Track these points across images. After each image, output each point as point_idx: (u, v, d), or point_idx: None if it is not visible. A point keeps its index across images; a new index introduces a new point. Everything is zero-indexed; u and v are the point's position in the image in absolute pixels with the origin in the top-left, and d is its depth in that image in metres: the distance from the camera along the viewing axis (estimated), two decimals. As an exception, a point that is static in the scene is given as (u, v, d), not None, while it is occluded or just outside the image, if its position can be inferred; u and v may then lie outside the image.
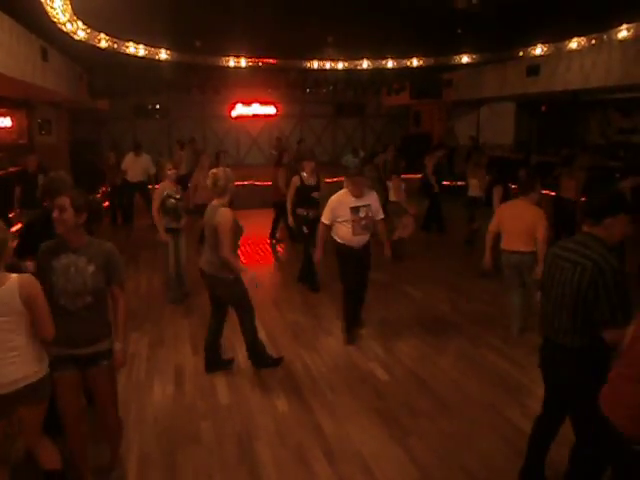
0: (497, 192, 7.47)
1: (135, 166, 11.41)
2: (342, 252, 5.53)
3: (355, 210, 5.32)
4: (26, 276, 2.80)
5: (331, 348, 5.48)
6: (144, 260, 8.79)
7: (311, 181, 7.22)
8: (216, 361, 4.97)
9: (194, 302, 6.75)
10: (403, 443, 3.84)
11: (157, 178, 11.00)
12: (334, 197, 5.48)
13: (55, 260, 3.03)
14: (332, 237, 5.58)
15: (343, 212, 5.34)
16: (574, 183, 8.18)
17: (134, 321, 6.21)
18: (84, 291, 3.05)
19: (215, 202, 4.57)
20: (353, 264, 5.54)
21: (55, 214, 3.01)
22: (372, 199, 5.48)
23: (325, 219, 5.50)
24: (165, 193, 6.48)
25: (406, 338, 5.72)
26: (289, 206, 7.38)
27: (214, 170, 4.64)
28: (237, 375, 4.91)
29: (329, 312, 6.40)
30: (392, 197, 8.62)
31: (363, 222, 5.37)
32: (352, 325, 5.69)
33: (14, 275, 2.74)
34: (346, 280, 5.64)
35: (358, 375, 4.90)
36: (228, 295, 4.73)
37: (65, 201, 3.00)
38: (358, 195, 5.34)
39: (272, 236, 9.97)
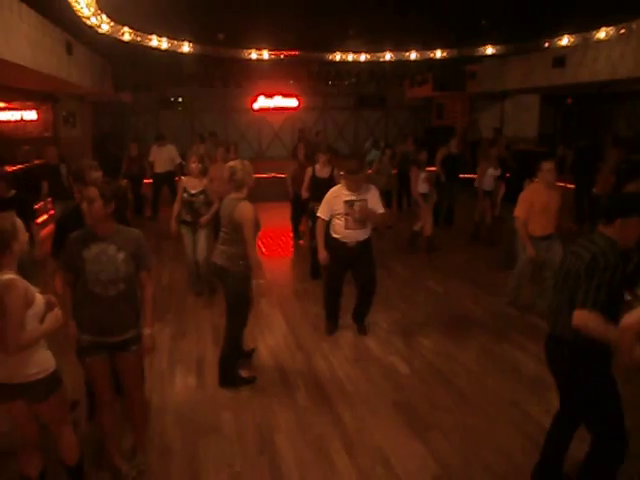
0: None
1: (160, 157, 11.36)
2: (333, 247, 5.33)
3: (349, 203, 5.15)
4: (3, 279, 2.67)
5: (352, 341, 5.48)
6: (166, 252, 8.88)
7: (323, 173, 7.16)
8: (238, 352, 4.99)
9: (215, 294, 6.79)
10: (423, 437, 3.82)
11: (183, 170, 11.12)
12: (330, 191, 5.33)
13: (85, 250, 3.08)
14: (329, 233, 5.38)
15: (338, 206, 5.19)
16: (601, 177, 8.09)
17: (156, 312, 6.28)
18: (117, 279, 3.11)
19: (233, 195, 4.38)
20: (340, 261, 5.36)
21: (84, 206, 3.05)
22: (370, 194, 5.25)
23: (322, 214, 5.31)
24: (183, 186, 6.53)
25: (427, 332, 5.68)
26: (304, 197, 7.38)
27: (232, 163, 4.49)
28: (258, 366, 4.93)
29: (350, 306, 6.38)
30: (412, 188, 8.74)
31: (357, 216, 5.16)
32: (334, 317, 5.68)
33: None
34: (328, 275, 5.59)
35: (378, 368, 4.89)
36: (231, 289, 4.43)
37: (93, 192, 3.04)
38: (354, 190, 5.16)
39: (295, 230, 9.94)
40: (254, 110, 18.98)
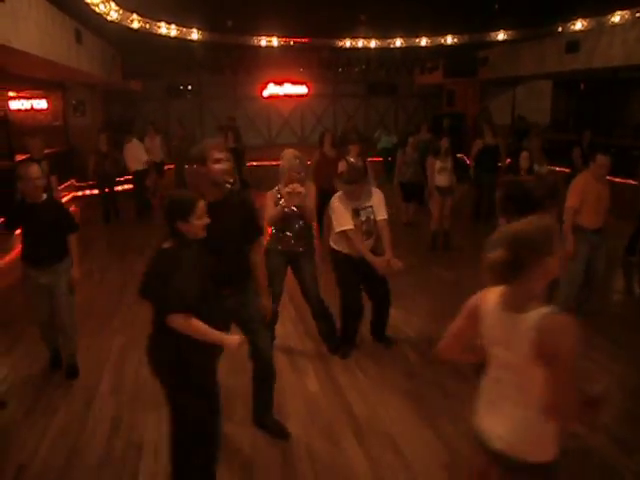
0: None
1: (125, 154, 10.31)
2: (338, 260, 4.77)
3: (355, 213, 4.58)
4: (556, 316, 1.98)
5: (362, 329, 5.46)
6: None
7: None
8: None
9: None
10: (433, 424, 3.82)
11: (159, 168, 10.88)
12: (336, 200, 4.67)
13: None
14: (330, 244, 4.88)
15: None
16: None
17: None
18: None
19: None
20: (353, 274, 4.74)
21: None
22: (375, 199, 4.66)
23: (350, 224, 4.55)
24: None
25: (437, 320, 5.65)
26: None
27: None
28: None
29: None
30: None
31: (364, 227, 4.60)
32: (351, 343, 5.00)
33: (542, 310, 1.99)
34: (341, 293, 4.86)
35: (388, 356, 4.88)
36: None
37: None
38: (355, 199, 4.58)
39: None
40: (263, 97, 18.94)
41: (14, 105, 13.09)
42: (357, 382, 4.43)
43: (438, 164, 7.95)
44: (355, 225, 4.57)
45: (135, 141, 10.45)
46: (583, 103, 16.07)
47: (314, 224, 4.83)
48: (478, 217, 9.86)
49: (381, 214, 4.65)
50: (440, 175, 7.97)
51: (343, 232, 4.57)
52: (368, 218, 4.63)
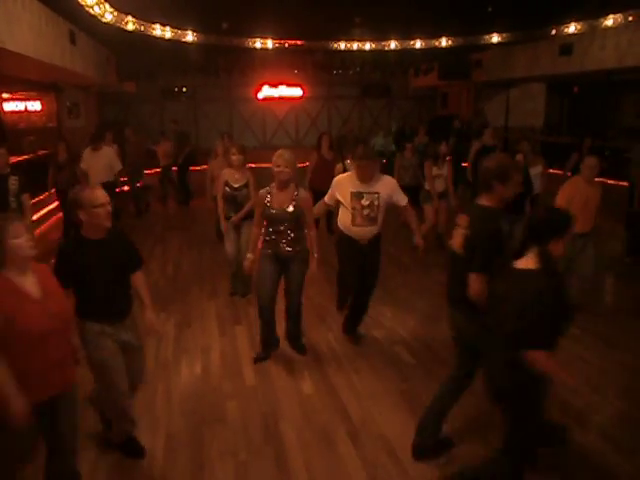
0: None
1: (95, 164, 8.92)
2: (342, 241, 4.88)
3: (357, 195, 4.58)
4: None
5: (360, 329, 5.47)
6: (171, 242, 8.93)
7: None
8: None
9: (220, 284, 6.80)
10: (428, 426, 3.82)
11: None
12: (338, 177, 4.87)
13: None
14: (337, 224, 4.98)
15: (344, 195, 4.67)
16: None
17: (161, 302, 6.29)
18: None
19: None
20: (353, 257, 4.84)
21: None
22: (384, 186, 4.62)
23: (327, 199, 4.89)
24: (225, 180, 6.11)
25: (432, 322, 5.67)
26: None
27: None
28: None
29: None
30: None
31: (365, 212, 4.58)
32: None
33: None
34: (341, 269, 5.17)
35: (384, 358, 4.88)
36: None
37: None
38: (364, 180, 4.57)
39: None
40: (258, 99, 18.95)
41: (8, 107, 13.05)
42: (352, 384, 4.44)
43: (434, 170, 7.93)
44: (354, 208, 4.61)
45: (107, 149, 9.37)
46: (576, 105, 16.15)
47: (311, 227, 4.74)
48: None
49: (401, 200, 4.71)
50: (436, 181, 7.96)
51: (343, 208, 4.72)
52: (372, 203, 4.61)
